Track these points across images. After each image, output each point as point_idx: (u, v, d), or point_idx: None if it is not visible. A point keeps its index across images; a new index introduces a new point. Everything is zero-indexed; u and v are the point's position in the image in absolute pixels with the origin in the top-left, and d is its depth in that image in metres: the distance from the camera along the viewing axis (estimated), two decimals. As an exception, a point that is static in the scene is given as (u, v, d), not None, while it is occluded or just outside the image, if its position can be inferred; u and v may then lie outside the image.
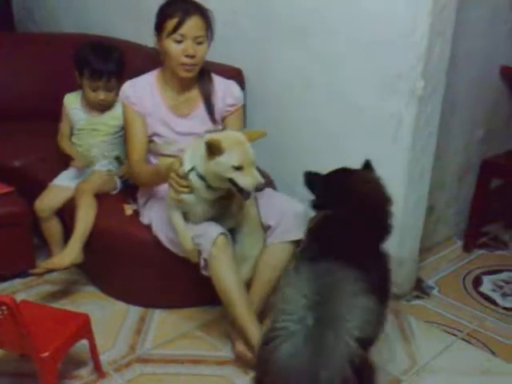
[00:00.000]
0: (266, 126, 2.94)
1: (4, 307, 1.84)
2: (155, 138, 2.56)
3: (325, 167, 2.17)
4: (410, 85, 2.47)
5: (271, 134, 2.97)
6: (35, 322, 2.01)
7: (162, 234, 2.48)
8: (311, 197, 2.14)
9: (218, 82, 2.58)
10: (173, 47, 2.37)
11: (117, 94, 2.77)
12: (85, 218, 2.61)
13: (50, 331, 2.06)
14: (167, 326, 2.58)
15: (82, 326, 2.15)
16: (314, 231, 2.13)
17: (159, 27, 2.41)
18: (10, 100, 3.50)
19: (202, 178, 2.20)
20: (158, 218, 2.50)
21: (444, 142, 2.91)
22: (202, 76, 2.54)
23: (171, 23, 2.35)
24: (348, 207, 1.98)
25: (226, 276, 2.25)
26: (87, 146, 2.84)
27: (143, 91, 2.53)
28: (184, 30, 2.34)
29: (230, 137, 2.19)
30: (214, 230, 2.26)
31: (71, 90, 2.92)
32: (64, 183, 2.81)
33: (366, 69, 2.58)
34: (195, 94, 2.56)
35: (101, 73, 2.71)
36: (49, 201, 2.77)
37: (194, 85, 2.55)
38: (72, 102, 2.87)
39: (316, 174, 2.16)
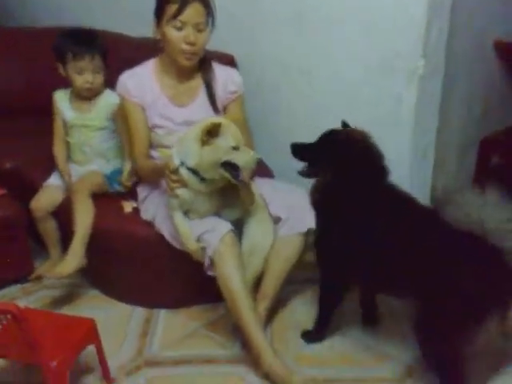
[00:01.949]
0: (262, 113, 2.89)
1: (8, 315, 1.76)
2: (156, 130, 2.50)
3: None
4: (410, 64, 2.42)
5: (267, 120, 2.95)
6: (41, 329, 1.92)
7: (165, 229, 2.40)
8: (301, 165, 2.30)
9: (219, 70, 2.53)
10: (173, 34, 2.31)
11: (104, 77, 2.69)
12: (83, 220, 2.53)
13: (57, 338, 1.98)
14: (173, 327, 2.51)
15: (89, 332, 2.08)
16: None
17: (158, 13, 2.34)
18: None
19: (192, 171, 2.16)
20: (160, 213, 2.43)
21: (443, 121, 2.86)
22: (203, 64, 2.48)
23: (171, 9, 2.28)
24: (351, 162, 2.13)
25: (232, 274, 2.18)
26: (79, 145, 2.75)
27: (143, 83, 2.46)
28: (184, 16, 2.28)
29: (218, 120, 2.19)
30: (222, 227, 2.22)
31: (55, 85, 2.80)
32: (59, 182, 2.73)
33: (363, 49, 2.53)
34: (196, 82, 2.50)
35: (83, 51, 2.61)
36: (45, 200, 2.69)
37: (195, 73, 2.50)
38: (62, 99, 2.77)
39: (304, 144, 2.29)
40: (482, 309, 1.86)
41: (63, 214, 2.66)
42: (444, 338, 1.93)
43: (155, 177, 2.45)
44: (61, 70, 2.69)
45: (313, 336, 2.40)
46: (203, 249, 2.22)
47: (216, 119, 2.18)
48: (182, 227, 2.27)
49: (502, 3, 3.09)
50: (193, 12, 2.29)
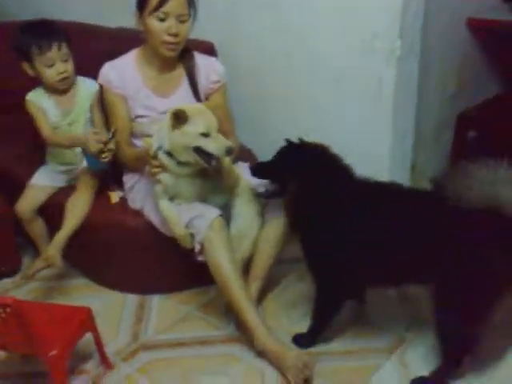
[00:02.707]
0: (242, 98, 2.91)
1: (8, 308, 1.77)
2: (139, 119, 2.51)
3: (307, 135, 2.19)
4: (388, 44, 2.46)
5: (249, 107, 2.96)
6: (39, 320, 1.94)
7: (154, 216, 2.43)
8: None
9: (201, 59, 2.55)
10: (156, 25, 2.32)
11: (74, 66, 2.58)
12: (76, 213, 2.54)
13: (55, 328, 2.00)
14: (167, 311, 2.55)
15: (86, 320, 2.10)
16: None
17: (141, 4, 2.35)
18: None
19: (169, 154, 2.20)
20: (149, 201, 2.45)
21: (421, 99, 2.90)
22: (184, 54, 2.50)
23: (154, 0, 2.29)
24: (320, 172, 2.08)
25: (222, 259, 2.21)
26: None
27: (125, 74, 2.48)
28: (167, 7, 2.29)
29: (191, 106, 2.23)
30: (211, 212, 2.24)
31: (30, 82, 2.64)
32: (43, 182, 2.68)
33: (341, 30, 2.55)
34: (178, 72, 2.52)
35: (49, 41, 2.47)
36: (29, 202, 2.64)
37: (176, 63, 2.52)
38: (40, 98, 2.60)
39: (263, 163, 2.26)
40: (504, 281, 1.86)
41: (51, 211, 2.66)
42: (467, 314, 1.93)
43: (139, 164, 2.45)
44: (27, 69, 2.55)
45: (306, 340, 2.31)
46: (192, 235, 2.25)
47: (181, 106, 2.17)
48: (169, 213, 2.30)
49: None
50: (176, 3, 2.30)
